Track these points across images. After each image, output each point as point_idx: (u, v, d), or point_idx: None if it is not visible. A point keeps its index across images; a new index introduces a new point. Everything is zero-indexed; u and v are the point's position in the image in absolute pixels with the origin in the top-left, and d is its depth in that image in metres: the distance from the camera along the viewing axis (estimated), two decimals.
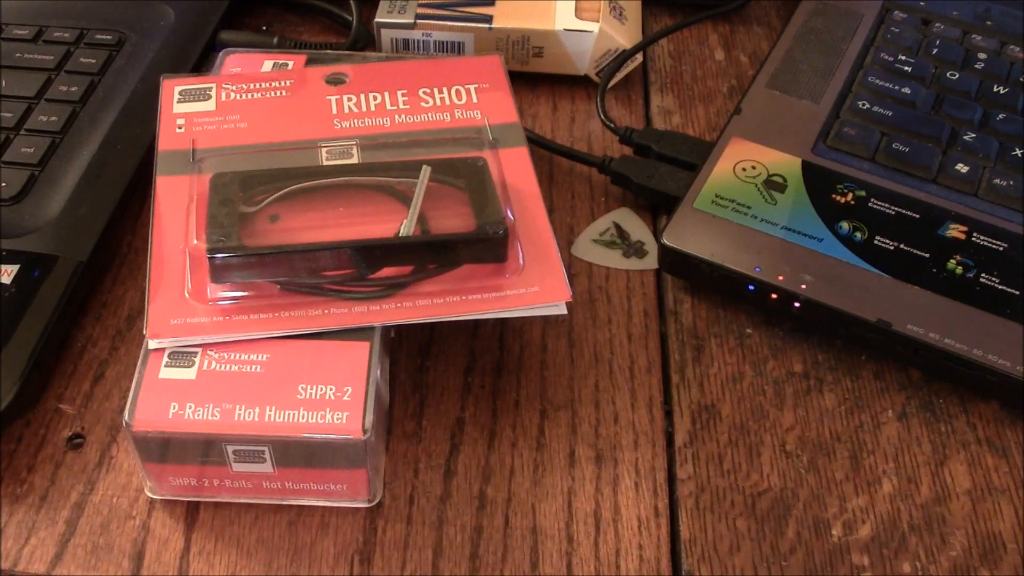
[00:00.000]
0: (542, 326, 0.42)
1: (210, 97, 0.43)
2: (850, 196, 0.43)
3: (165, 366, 0.34)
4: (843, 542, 0.35)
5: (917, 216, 0.42)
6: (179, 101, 0.43)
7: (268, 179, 0.38)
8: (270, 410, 0.33)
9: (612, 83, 0.52)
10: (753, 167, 0.44)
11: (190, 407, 0.33)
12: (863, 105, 0.47)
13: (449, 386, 0.40)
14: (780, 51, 0.50)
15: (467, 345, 0.41)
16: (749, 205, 0.42)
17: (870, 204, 0.42)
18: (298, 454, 0.33)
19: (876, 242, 0.41)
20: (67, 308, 0.39)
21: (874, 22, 0.51)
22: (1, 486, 0.36)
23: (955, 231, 0.41)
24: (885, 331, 0.38)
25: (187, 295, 0.36)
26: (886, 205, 0.42)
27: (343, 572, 0.34)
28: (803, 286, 0.39)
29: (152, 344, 0.35)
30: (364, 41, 0.54)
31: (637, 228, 0.46)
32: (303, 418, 0.33)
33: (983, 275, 0.40)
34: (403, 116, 0.43)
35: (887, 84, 0.48)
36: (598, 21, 0.51)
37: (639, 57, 0.52)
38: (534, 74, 0.53)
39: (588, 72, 0.52)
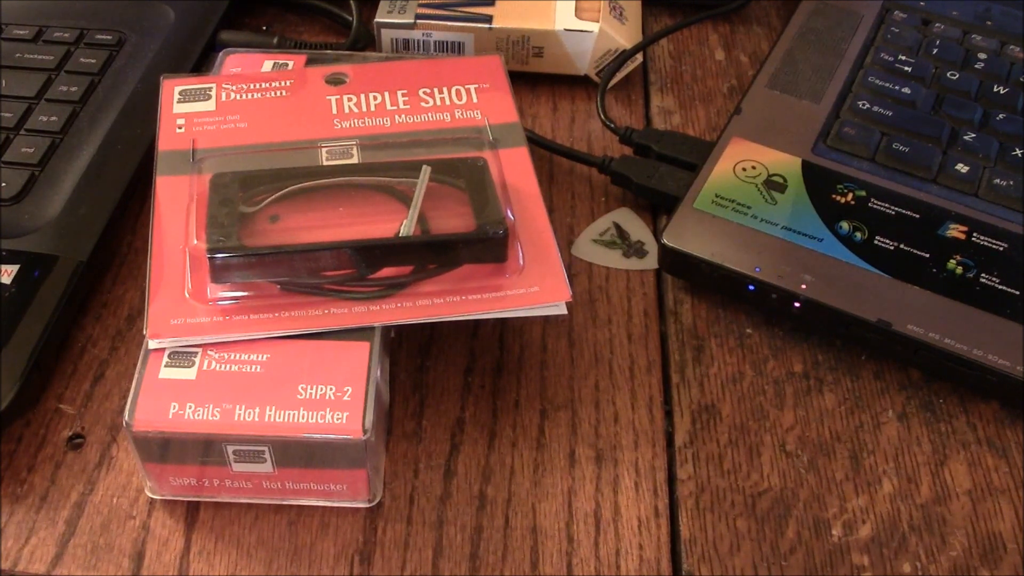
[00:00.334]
0: (542, 326, 0.42)
1: (210, 97, 0.43)
2: (850, 196, 0.43)
3: (165, 366, 0.34)
4: (843, 542, 0.35)
5: (917, 216, 0.42)
6: (179, 101, 0.43)
7: (268, 179, 0.38)
8: (270, 410, 0.33)
9: (612, 83, 0.52)
10: (753, 167, 0.44)
11: (190, 407, 0.33)
12: (863, 105, 0.47)
13: (449, 386, 0.40)
14: (780, 51, 0.50)
15: (467, 345, 0.41)
16: (749, 205, 0.42)
17: (870, 204, 0.42)
18: (298, 454, 0.33)
19: (876, 242, 0.41)
20: (67, 308, 0.39)
21: (874, 22, 0.51)
22: (1, 486, 0.36)
23: (955, 231, 0.41)
24: (885, 331, 0.38)
25: (187, 295, 0.36)
26: (886, 205, 0.42)
27: (343, 572, 0.34)
28: (803, 286, 0.39)
29: (152, 344, 0.35)
30: (364, 41, 0.54)
31: (637, 228, 0.46)
32: (303, 418, 0.33)
33: (983, 275, 0.40)
34: (403, 116, 0.43)
35: (887, 84, 0.48)
36: (598, 21, 0.51)
37: (639, 57, 0.52)
38: (534, 74, 0.53)
39: (588, 72, 0.52)
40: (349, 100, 0.43)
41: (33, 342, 0.37)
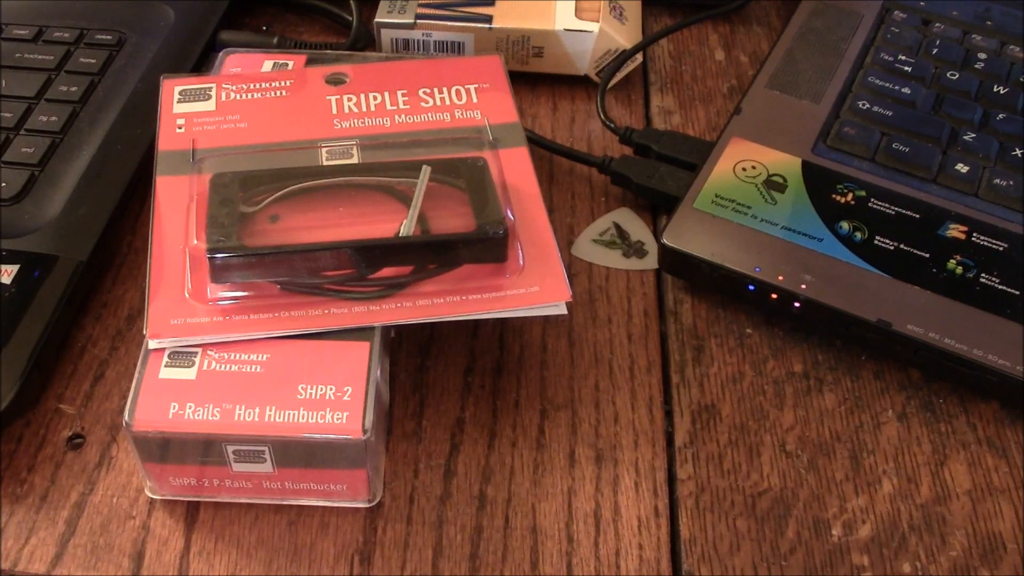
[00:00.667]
0: (542, 326, 0.42)
1: (210, 97, 0.43)
2: (850, 196, 0.43)
3: (165, 366, 0.34)
4: (843, 542, 0.35)
5: (917, 216, 0.42)
6: (179, 101, 0.43)
7: (268, 179, 0.38)
8: (270, 410, 0.33)
9: (612, 83, 0.52)
10: (753, 167, 0.44)
11: (190, 407, 0.33)
12: (863, 105, 0.47)
13: (449, 386, 0.40)
14: (780, 51, 0.50)
15: (467, 345, 0.41)
16: (749, 205, 0.42)
17: (870, 204, 0.42)
18: (298, 454, 0.33)
19: (876, 242, 0.41)
20: (67, 308, 0.39)
21: (874, 22, 0.51)
22: (1, 486, 0.36)
23: (955, 231, 0.41)
24: (885, 331, 0.38)
25: (187, 295, 0.36)
26: (886, 205, 0.42)
27: (343, 572, 0.34)
28: (803, 286, 0.39)
29: (152, 344, 0.35)
30: (364, 41, 0.54)
31: (637, 228, 0.46)
32: (303, 418, 0.33)
33: (983, 275, 0.40)
34: (403, 116, 0.43)
35: (887, 84, 0.48)
36: (598, 21, 0.51)
37: (639, 57, 0.52)
38: (534, 74, 0.53)
39: (588, 72, 0.52)
40: (349, 100, 0.43)
41: (33, 342, 0.37)
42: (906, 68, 0.49)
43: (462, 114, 0.43)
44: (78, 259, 0.40)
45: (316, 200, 0.38)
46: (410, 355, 0.41)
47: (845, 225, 0.41)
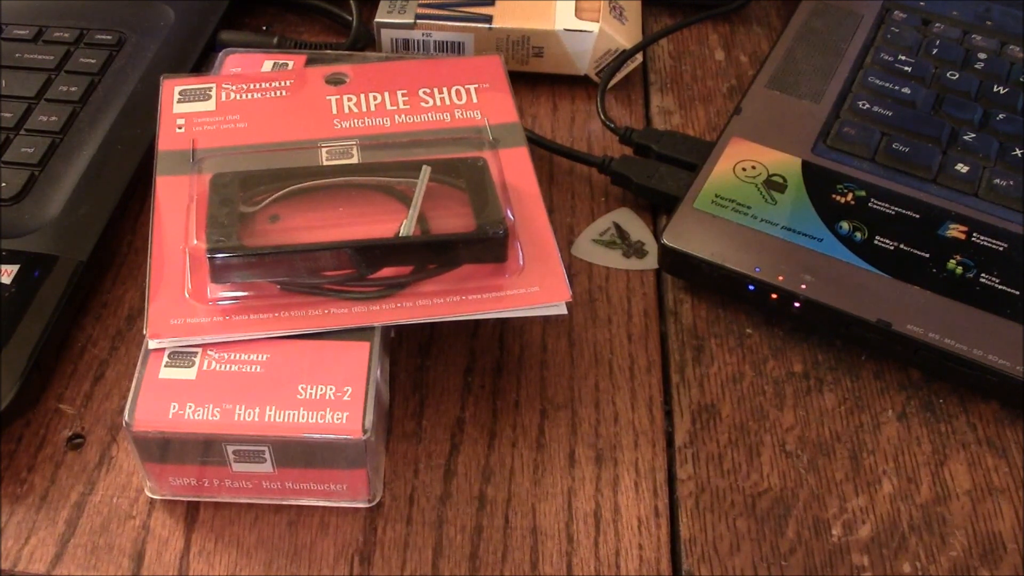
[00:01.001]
0: (542, 326, 0.42)
1: (210, 97, 0.43)
2: (850, 196, 0.43)
3: (165, 366, 0.34)
4: (843, 542, 0.35)
5: (917, 216, 0.42)
6: (179, 101, 0.43)
7: (268, 179, 0.38)
8: (270, 410, 0.33)
9: (612, 83, 0.52)
10: (753, 167, 0.44)
11: (190, 407, 0.33)
12: (863, 105, 0.47)
13: (449, 386, 0.40)
14: (780, 51, 0.50)
15: (467, 345, 0.41)
16: (749, 205, 0.42)
17: (870, 204, 0.42)
18: (298, 454, 0.33)
19: (876, 242, 0.41)
20: (67, 308, 0.39)
21: (874, 22, 0.51)
22: (1, 486, 0.36)
23: (955, 231, 0.41)
24: (885, 331, 0.38)
25: (187, 295, 0.36)
26: (886, 205, 0.42)
27: (343, 572, 0.34)
28: (803, 286, 0.39)
29: (152, 344, 0.35)
30: (364, 41, 0.54)
31: (637, 228, 0.46)
32: (303, 418, 0.33)
33: (983, 275, 0.40)
34: (403, 116, 0.43)
35: (887, 84, 0.48)
36: (598, 21, 0.51)
37: (639, 57, 0.52)
38: (534, 74, 0.53)
39: (588, 72, 0.52)
40: (349, 100, 0.43)
41: (33, 342, 0.37)
42: (906, 68, 0.49)
43: (462, 114, 0.43)
44: (78, 259, 0.40)
45: (316, 200, 0.38)
46: (410, 355, 0.41)
47: (845, 225, 0.41)
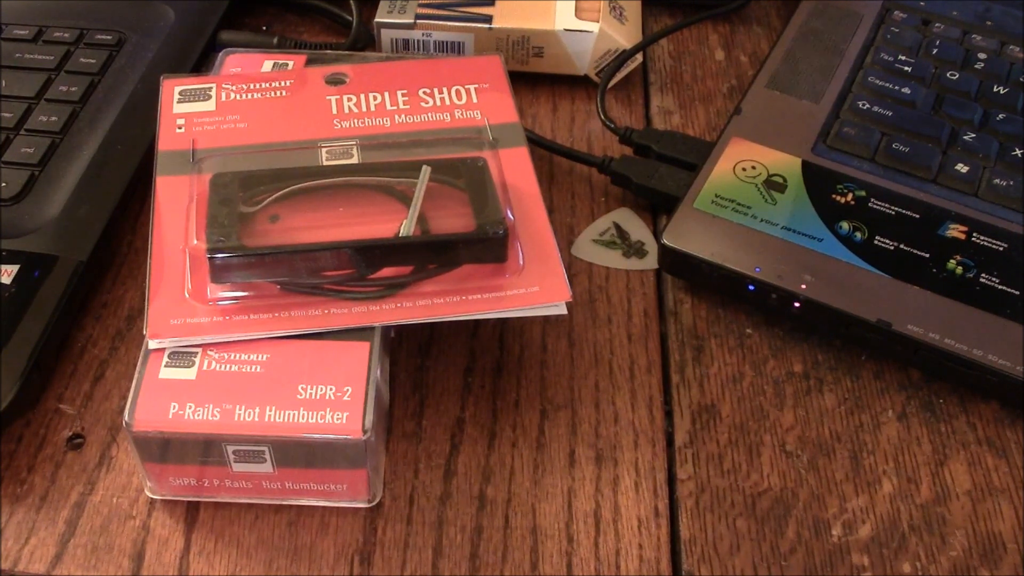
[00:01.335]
0: (542, 326, 0.42)
1: (210, 97, 0.43)
2: (850, 196, 0.43)
3: (165, 366, 0.34)
4: (843, 542, 0.35)
5: (917, 216, 0.42)
6: (179, 101, 0.43)
7: (268, 179, 0.38)
8: (270, 410, 0.33)
9: (612, 83, 0.52)
10: (753, 167, 0.44)
11: (190, 407, 0.33)
12: (863, 105, 0.47)
13: (449, 386, 0.40)
14: (780, 51, 0.50)
15: (467, 345, 0.41)
16: (749, 205, 0.42)
17: (870, 204, 0.42)
18: (298, 454, 0.33)
19: (876, 242, 0.41)
20: (67, 308, 0.39)
21: (874, 22, 0.51)
22: (1, 486, 0.36)
23: (955, 231, 0.41)
24: (885, 331, 0.38)
25: (187, 295, 0.36)
26: (886, 205, 0.42)
27: (343, 572, 0.34)
28: (803, 286, 0.39)
29: (152, 344, 0.35)
30: (364, 41, 0.54)
31: (637, 228, 0.46)
32: (303, 418, 0.33)
33: (983, 275, 0.40)
34: (403, 116, 0.43)
35: (887, 84, 0.48)
36: (598, 21, 0.51)
37: (639, 57, 0.52)
38: (534, 74, 0.53)
39: (588, 72, 0.52)
40: (349, 100, 0.43)
41: (33, 342, 0.37)
42: (906, 68, 0.49)
43: (462, 114, 0.43)
44: (78, 259, 0.40)
45: (316, 200, 0.38)
46: (410, 355, 0.41)
47: (845, 225, 0.41)
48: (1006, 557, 0.35)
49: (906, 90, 0.47)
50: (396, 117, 0.42)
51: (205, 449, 0.33)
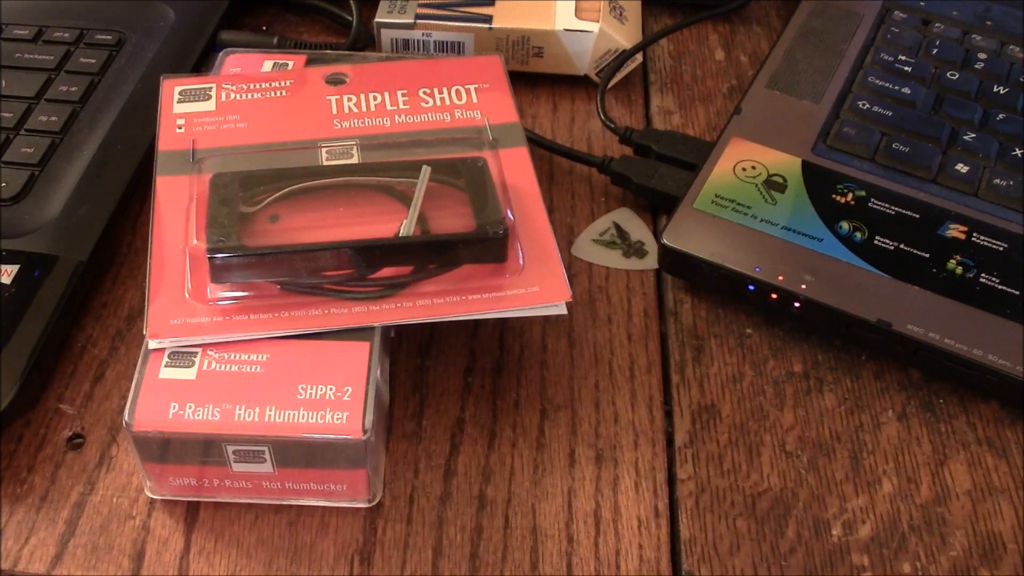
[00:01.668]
0: (542, 326, 0.42)
1: (210, 97, 0.43)
2: (850, 196, 0.43)
3: (165, 366, 0.34)
4: (843, 542, 0.35)
5: (917, 216, 0.42)
6: (179, 101, 0.43)
7: (268, 179, 0.38)
8: (270, 410, 0.33)
9: (612, 83, 0.52)
10: (753, 167, 0.44)
11: (190, 407, 0.33)
12: (863, 105, 0.47)
13: (449, 386, 0.40)
14: (780, 51, 0.50)
15: (467, 345, 0.41)
16: (749, 205, 0.42)
17: (870, 204, 0.42)
18: (298, 454, 0.33)
19: (876, 242, 0.41)
20: (67, 308, 0.39)
21: (874, 22, 0.51)
22: (1, 486, 0.36)
23: (955, 231, 0.41)
24: (885, 331, 0.38)
25: (187, 295, 0.36)
26: (886, 205, 0.42)
27: (343, 572, 0.34)
28: (803, 286, 0.39)
29: (152, 344, 0.35)
30: (364, 41, 0.54)
31: (637, 228, 0.46)
32: (303, 418, 0.33)
33: (983, 275, 0.40)
34: (403, 116, 0.43)
35: (887, 84, 0.48)
36: (598, 21, 0.51)
37: (639, 57, 0.52)
38: (534, 74, 0.53)
39: (588, 72, 0.52)
40: (349, 100, 0.43)
41: (33, 342, 0.37)
42: (906, 68, 0.49)
43: (462, 114, 0.43)
44: (78, 259, 0.40)
45: (316, 200, 0.38)
46: (410, 355, 0.41)
47: (845, 225, 0.41)
48: (1006, 557, 0.35)
49: (906, 90, 0.47)
50: (396, 117, 0.42)
51: (205, 449, 0.33)
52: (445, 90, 0.44)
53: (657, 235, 0.45)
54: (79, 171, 0.44)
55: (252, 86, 0.44)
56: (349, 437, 0.33)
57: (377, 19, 0.52)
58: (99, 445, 0.37)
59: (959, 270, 0.40)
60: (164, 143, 0.41)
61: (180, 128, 0.42)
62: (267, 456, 0.33)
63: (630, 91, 0.53)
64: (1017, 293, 0.39)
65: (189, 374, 0.34)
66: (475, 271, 0.37)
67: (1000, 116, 0.46)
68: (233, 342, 0.35)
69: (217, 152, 0.41)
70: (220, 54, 0.47)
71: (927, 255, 0.40)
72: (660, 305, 0.43)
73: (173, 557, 0.34)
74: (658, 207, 0.47)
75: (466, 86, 0.44)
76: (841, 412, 0.39)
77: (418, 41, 0.52)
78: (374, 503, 0.36)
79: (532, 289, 0.37)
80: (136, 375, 0.34)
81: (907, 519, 0.36)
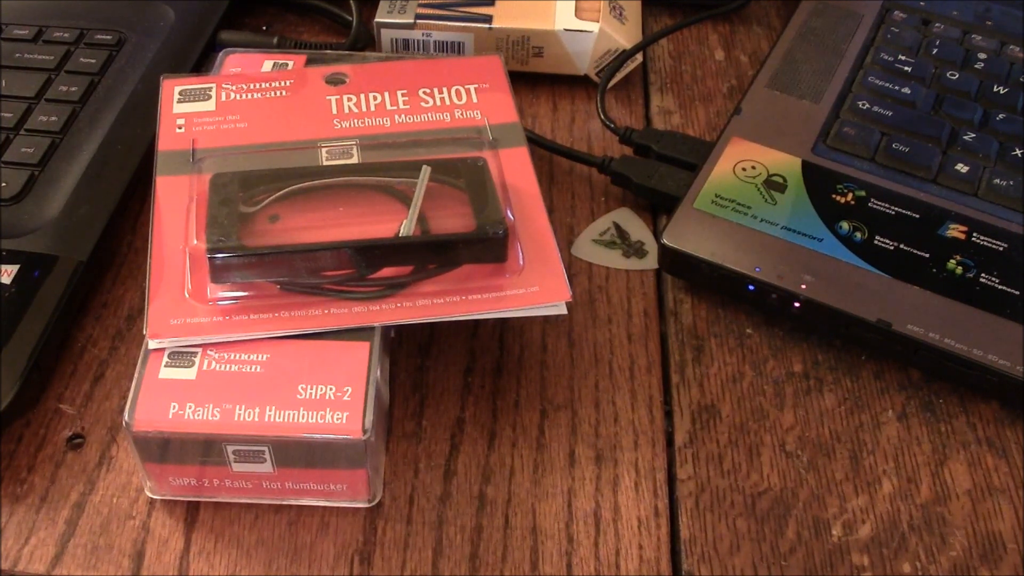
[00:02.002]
0: (542, 326, 0.42)
1: (210, 97, 0.43)
2: (850, 196, 0.43)
3: (165, 366, 0.34)
4: (843, 542, 0.35)
5: (917, 216, 0.42)
6: (179, 101, 0.43)
7: (268, 179, 0.38)
8: (270, 410, 0.33)
9: (612, 83, 0.52)
10: (753, 167, 0.44)
11: (190, 407, 0.33)
12: (863, 105, 0.47)
13: (449, 386, 0.40)
14: (780, 51, 0.50)
15: (467, 345, 0.41)
16: (749, 205, 0.42)
17: (870, 204, 0.42)
18: (298, 454, 0.33)
19: (876, 242, 0.41)
20: (67, 308, 0.39)
21: (874, 22, 0.51)
22: (1, 486, 0.36)
23: (955, 231, 0.41)
24: (885, 331, 0.38)
25: (187, 295, 0.36)
26: (886, 205, 0.42)
27: (343, 572, 0.34)
28: (803, 286, 0.39)
29: (152, 344, 0.35)
30: (364, 41, 0.54)
31: (637, 228, 0.46)
32: (303, 418, 0.33)
33: (983, 275, 0.40)
34: (403, 116, 0.43)
35: (887, 84, 0.48)
36: (598, 21, 0.51)
37: (639, 57, 0.52)
38: (534, 74, 0.53)
39: (588, 72, 0.52)
40: (349, 100, 0.43)
41: (33, 342, 0.37)
42: (906, 68, 0.49)
43: (462, 114, 0.43)
44: (78, 259, 0.40)
45: (316, 200, 0.38)
46: (410, 355, 0.41)
47: (845, 225, 0.41)
48: (1006, 557, 0.35)
49: (906, 90, 0.47)
50: (396, 117, 0.42)
51: (205, 449, 0.33)
52: (445, 90, 0.44)
53: (657, 235, 0.45)
54: (79, 171, 0.44)
55: (252, 86, 0.44)
56: (349, 437, 0.33)
57: (377, 19, 0.52)
58: (99, 445, 0.37)
59: (959, 270, 0.40)
60: (164, 143, 0.41)
61: (180, 128, 0.42)
62: (267, 456, 0.33)
63: (630, 91, 0.53)
64: (1017, 293, 0.39)
65: (189, 374, 0.34)
66: (475, 271, 0.37)
67: (1000, 116, 0.46)
68: (233, 342, 0.35)
69: (217, 152, 0.41)
70: (220, 54, 0.47)
71: (927, 255, 0.40)
72: (660, 305, 0.43)
73: (173, 557, 0.34)
74: (658, 207, 0.47)
75: (466, 86, 0.44)
76: (841, 412, 0.39)
77: (418, 41, 0.52)
78: (374, 503, 0.36)
79: (532, 289, 0.37)
80: (136, 375, 0.34)
81: (907, 519, 0.36)
